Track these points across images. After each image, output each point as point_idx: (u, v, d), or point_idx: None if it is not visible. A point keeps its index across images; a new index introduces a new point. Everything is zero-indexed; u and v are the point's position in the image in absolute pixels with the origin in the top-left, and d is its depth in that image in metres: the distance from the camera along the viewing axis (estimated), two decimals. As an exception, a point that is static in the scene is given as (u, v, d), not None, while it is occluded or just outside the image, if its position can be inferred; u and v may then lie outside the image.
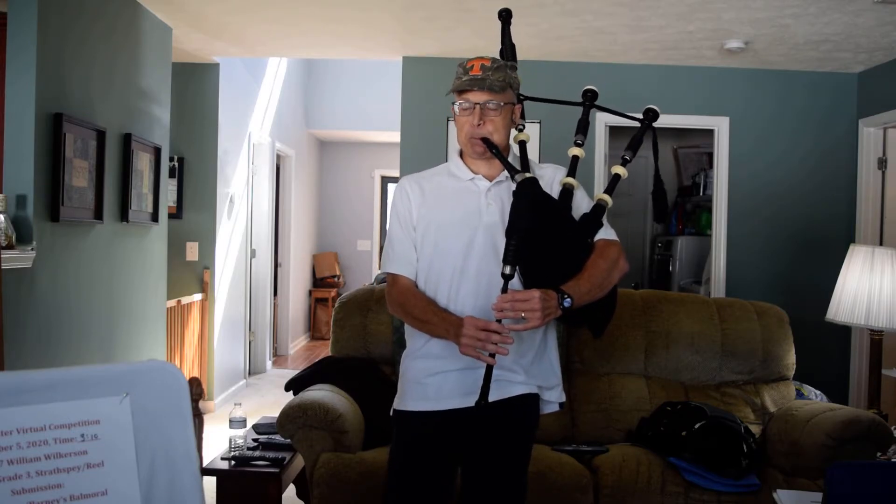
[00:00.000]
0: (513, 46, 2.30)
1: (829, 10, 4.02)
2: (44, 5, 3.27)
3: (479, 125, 2.02)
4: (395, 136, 6.32)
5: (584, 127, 2.24)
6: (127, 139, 4.13)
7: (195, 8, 4.43)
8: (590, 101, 2.28)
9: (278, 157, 7.89)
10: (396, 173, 7.39)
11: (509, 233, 1.90)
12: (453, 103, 2.06)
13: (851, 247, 3.63)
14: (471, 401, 1.95)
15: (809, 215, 5.33)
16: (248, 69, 6.56)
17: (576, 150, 2.19)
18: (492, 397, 1.93)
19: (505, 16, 2.32)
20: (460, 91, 2.02)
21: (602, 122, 5.30)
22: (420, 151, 5.24)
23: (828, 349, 5.08)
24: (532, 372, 2.08)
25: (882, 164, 5.09)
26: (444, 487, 2.11)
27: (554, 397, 2.16)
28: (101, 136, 3.77)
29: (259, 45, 5.39)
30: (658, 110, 2.25)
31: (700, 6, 4.06)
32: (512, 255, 1.89)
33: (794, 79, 5.33)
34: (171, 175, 5.49)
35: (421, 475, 2.10)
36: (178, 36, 4.95)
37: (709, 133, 5.59)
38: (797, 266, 5.31)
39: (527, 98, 2.25)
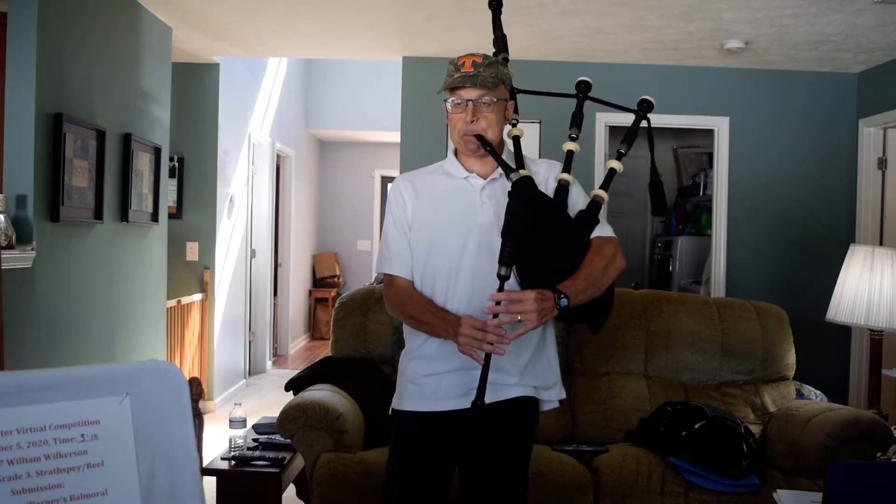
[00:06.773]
0: (504, 37, 2.25)
1: (829, 10, 4.02)
2: (44, 5, 3.27)
3: (472, 122, 1.99)
4: (395, 136, 6.32)
5: (578, 120, 2.20)
6: (127, 139, 4.13)
7: (195, 8, 4.42)
8: (583, 92, 2.23)
9: (278, 157, 7.89)
10: (396, 173, 7.39)
11: (505, 235, 1.89)
12: (445, 101, 2.04)
13: (851, 247, 3.62)
14: (467, 402, 1.95)
15: (809, 215, 5.32)
16: (248, 69, 6.56)
17: (570, 145, 2.15)
18: (487, 399, 1.92)
19: (496, 5, 2.28)
20: (452, 88, 2.00)
21: (602, 121, 5.30)
22: (420, 151, 5.24)
23: (828, 349, 5.08)
24: (529, 372, 2.07)
25: (882, 164, 5.09)
26: (441, 488, 2.11)
27: (553, 396, 2.14)
28: (101, 136, 3.77)
29: (259, 45, 5.39)
30: (653, 101, 2.20)
31: (700, 6, 4.06)
32: (508, 257, 1.88)
33: (794, 79, 5.33)
34: (171, 175, 5.49)
35: (418, 475, 2.10)
36: (178, 36, 4.95)
37: (709, 133, 5.59)
38: (797, 266, 5.31)
39: (520, 91, 2.21)
